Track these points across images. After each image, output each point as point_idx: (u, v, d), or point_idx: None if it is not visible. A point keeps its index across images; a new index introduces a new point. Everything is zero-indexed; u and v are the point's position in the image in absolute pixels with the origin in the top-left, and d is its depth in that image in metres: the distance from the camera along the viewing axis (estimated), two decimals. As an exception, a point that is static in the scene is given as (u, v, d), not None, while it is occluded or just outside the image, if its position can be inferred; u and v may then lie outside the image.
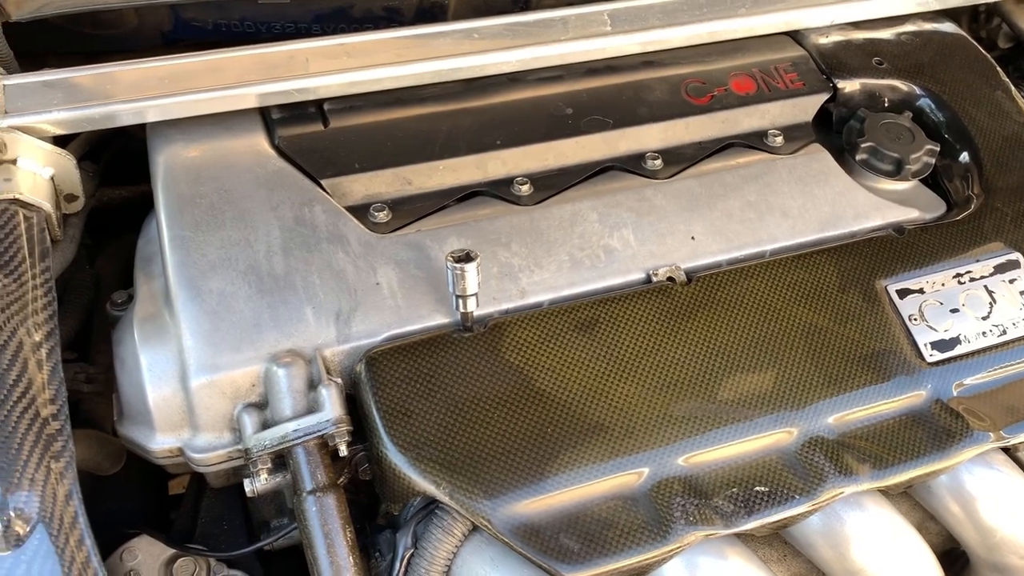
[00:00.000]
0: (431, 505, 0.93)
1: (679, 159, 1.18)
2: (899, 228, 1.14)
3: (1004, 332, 1.07)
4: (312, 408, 0.94)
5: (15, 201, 1.00)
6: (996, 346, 1.06)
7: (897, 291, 1.08)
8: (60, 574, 0.83)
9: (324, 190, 1.07)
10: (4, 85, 1.06)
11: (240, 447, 0.95)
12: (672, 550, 0.90)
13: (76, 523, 0.84)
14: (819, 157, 1.20)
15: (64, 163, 1.06)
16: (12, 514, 0.84)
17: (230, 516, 1.17)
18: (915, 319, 1.06)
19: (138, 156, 1.27)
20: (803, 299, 1.06)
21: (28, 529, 0.84)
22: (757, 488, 0.94)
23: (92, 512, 0.86)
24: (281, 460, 0.94)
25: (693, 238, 1.11)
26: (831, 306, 1.06)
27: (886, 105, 1.29)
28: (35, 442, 0.86)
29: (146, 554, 1.02)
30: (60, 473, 0.86)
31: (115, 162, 1.31)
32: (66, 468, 0.86)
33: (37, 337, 0.92)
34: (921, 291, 1.08)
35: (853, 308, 1.06)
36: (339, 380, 0.95)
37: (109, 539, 1.00)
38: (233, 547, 1.10)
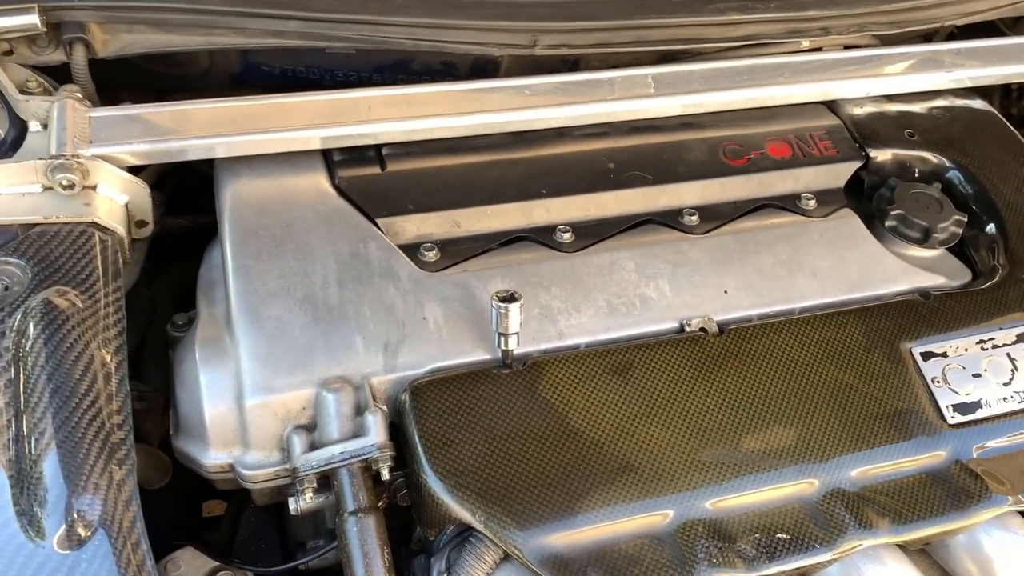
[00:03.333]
0: (465, 532, 0.97)
1: (715, 216, 1.23)
2: (925, 293, 1.18)
3: (1025, 399, 1.11)
4: (358, 433, 0.99)
5: (93, 224, 1.08)
6: (1017, 412, 1.10)
7: (921, 353, 1.12)
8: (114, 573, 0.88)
9: (379, 228, 1.14)
10: (90, 117, 1.14)
11: (288, 466, 1.00)
12: (695, 590, 0.93)
13: (134, 528, 0.90)
14: (850, 222, 1.25)
15: (139, 191, 1.14)
16: (76, 516, 0.89)
17: (267, 535, 1.22)
18: (938, 381, 1.10)
19: (198, 187, 1.35)
20: (830, 356, 1.10)
21: (89, 531, 0.89)
22: (779, 535, 0.98)
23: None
24: (326, 481, 0.99)
25: (726, 292, 1.16)
26: (857, 364, 1.10)
27: (916, 176, 1.34)
28: (100, 449, 0.92)
29: (189, 565, 1.06)
30: (122, 480, 0.91)
31: (176, 192, 1.39)
32: (127, 475, 0.92)
33: (107, 351, 0.99)
34: (945, 355, 1.12)
35: (878, 368, 1.10)
36: (384, 407, 1.01)
37: (154, 549, 1.05)
38: (269, 566, 1.14)
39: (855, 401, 1.07)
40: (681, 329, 1.12)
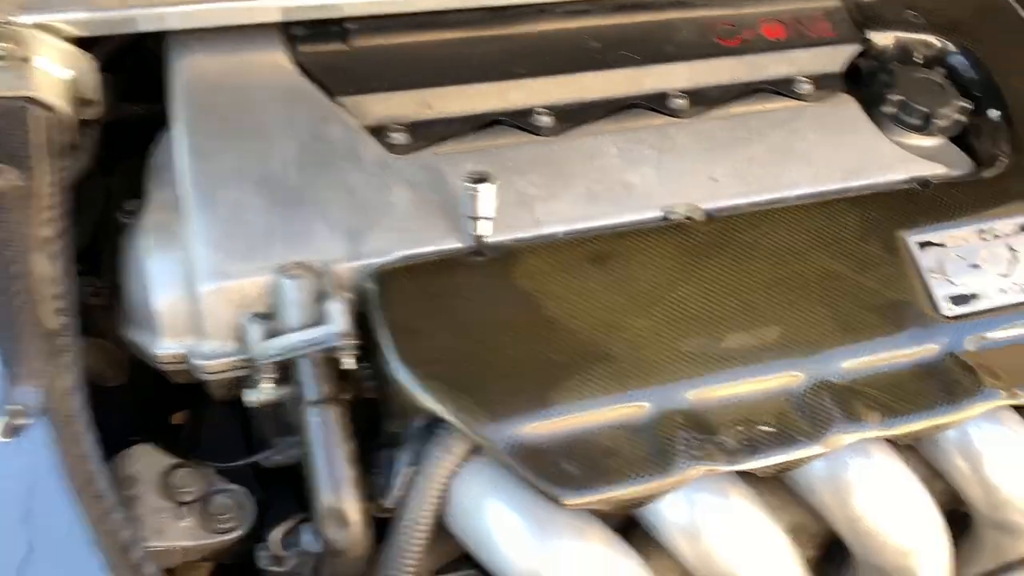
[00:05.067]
0: (433, 425, 0.92)
1: (705, 100, 1.15)
2: (924, 182, 1.12)
3: (1024, 291, 1.06)
4: (319, 321, 0.93)
5: (29, 99, 0.99)
6: (1015, 304, 1.05)
7: (918, 243, 1.06)
8: (58, 464, 0.83)
9: (343, 108, 1.06)
10: (25, -18, 1.04)
11: (245, 356, 0.95)
12: (672, 483, 0.89)
13: (77, 417, 0.84)
14: (847, 107, 1.18)
15: (83, 66, 1.05)
16: (13, 403, 0.84)
17: (232, 434, 1.18)
18: (934, 272, 1.04)
19: (156, 73, 1.26)
20: (822, 245, 1.04)
21: (29, 419, 0.84)
22: (763, 428, 0.93)
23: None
24: (286, 372, 0.94)
25: (714, 179, 1.09)
26: (850, 254, 1.04)
27: (919, 61, 1.26)
28: (40, 335, 0.86)
29: (145, 462, 1.01)
30: (65, 367, 0.85)
31: (133, 78, 1.30)
32: (70, 362, 0.86)
33: (45, 232, 0.92)
34: (942, 245, 1.06)
35: (872, 257, 1.04)
36: (348, 295, 0.95)
37: (110, 446, 1.00)
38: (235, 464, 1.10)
39: (847, 291, 1.01)
40: (666, 217, 1.06)
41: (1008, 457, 1.00)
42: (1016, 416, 1.02)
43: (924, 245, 1.06)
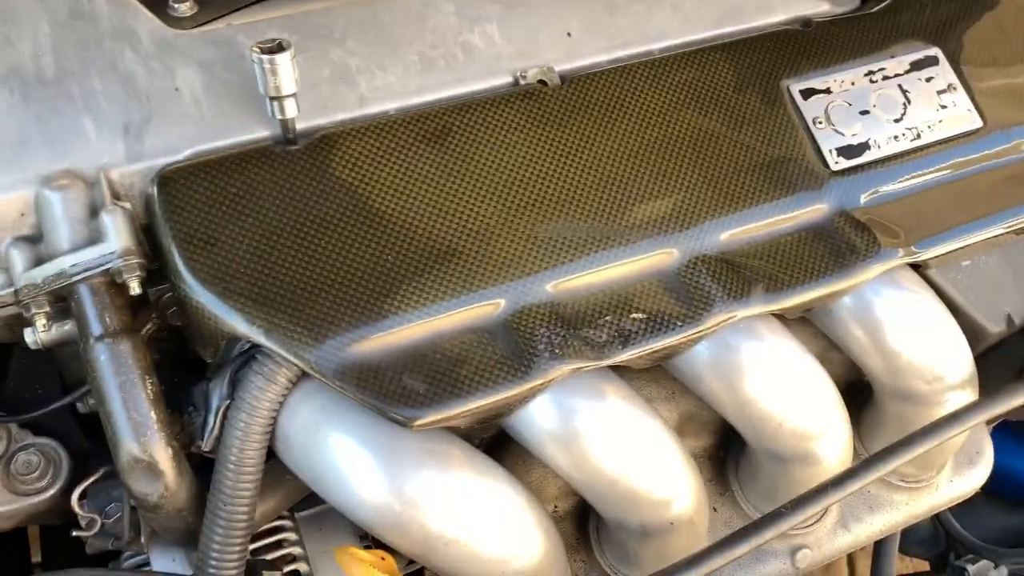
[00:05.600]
0: (252, 349, 0.78)
1: (554, -59, 0.99)
2: (806, 22, 0.99)
3: (918, 136, 0.95)
4: (95, 239, 0.77)
5: None
6: (909, 151, 0.94)
7: (801, 91, 0.94)
8: None
9: (110, -24, 0.87)
10: None
11: (11, 289, 0.78)
12: (536, 386, 0.77)
13: None
14: (718, -59, 1.03)
15: None
16: None
17: (45, 380, 1.02)
18: (820, 122, 0.93)
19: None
20: (693, 101, 0.91)
21: None
22: (634, 315, 0.82)
23: None
24: (65, 304, 0.78)
25: (569, 34, 0.94)
26: (725, 108, 0.91)
27: None
28: None
29: (-75, 424, 0.86)
30: None
31: None
32: None
33: None
34: (828, 91, 0.94)
35: (750, 110, 0.92)
36: (127, 205, 0.78)
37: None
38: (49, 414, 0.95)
39: (723, 152, 0.89)
40: (516, 83, 0.91)
41: (907, 321, 0.91)
42: (914, 275, 0.93)
43: (807, 93, 0.94)
